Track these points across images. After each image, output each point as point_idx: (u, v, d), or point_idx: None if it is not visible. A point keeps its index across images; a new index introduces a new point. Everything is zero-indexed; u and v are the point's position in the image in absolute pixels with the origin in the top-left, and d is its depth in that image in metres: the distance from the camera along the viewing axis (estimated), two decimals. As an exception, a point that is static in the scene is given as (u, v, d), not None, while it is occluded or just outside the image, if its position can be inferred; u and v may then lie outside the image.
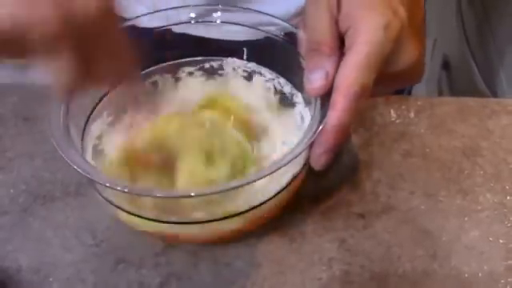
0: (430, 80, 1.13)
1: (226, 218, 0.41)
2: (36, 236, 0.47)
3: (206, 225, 0.41)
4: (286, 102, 0.50)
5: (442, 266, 0.44)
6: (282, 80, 0.50)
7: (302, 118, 0.48)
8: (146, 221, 0.41)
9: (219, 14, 0.50)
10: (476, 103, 0.56)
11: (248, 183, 0.38)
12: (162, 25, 0.49)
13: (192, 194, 0.38)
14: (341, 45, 0.40)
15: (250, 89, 0.51)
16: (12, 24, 0.31)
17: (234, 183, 0.39)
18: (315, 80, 0.40)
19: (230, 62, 0.51)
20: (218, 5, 0.50)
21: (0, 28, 0.31)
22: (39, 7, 0.32)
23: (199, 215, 0.40)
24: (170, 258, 0.45)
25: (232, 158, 0.45)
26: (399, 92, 0.67)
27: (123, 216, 0.42)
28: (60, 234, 0.47)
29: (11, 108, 0.56)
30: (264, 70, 0.50)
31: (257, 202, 0.41)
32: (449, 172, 0.50)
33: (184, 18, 0.50)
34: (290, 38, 0.47)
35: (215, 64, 0.51)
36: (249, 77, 0.51)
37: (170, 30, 0.50)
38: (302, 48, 0.43)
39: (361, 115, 0.54)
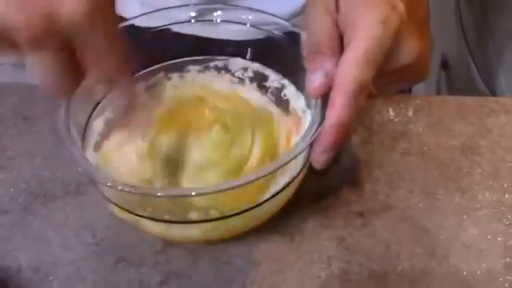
0: (429, 79, 1.12)
1: (225, 217, 0.41)
2: (36, 235, 0.47)
3: (204, 224, 0.41)
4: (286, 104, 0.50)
5: (441, 263, 0.44)
6: (286, 81, 0.50)
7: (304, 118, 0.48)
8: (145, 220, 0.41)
9: (219, 12, 0.50)
10: (474, 102, 0.56)
11: (247, 183, 0.38)
12: (161, 24, 0.49)
13: (193, 194, 0.38)
14: (341, 45, 0.40)
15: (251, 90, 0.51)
16: None
17: (232, 183, 0.39)
18: (315, 80, 0.40)
19: (235, 62, 0.51)
20: (219, 3, 0.50)
21: None
22: (24, 8, 0.32)
23: (198, 215, 0.41)
24: (169, 257, 0.45)
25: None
26: (399, 91, 0.67)
27: (129, 217, 0.42)
28: (60, 232, 0.47)
29: (11, 107, 0.56)
30: (268, 71, 0.50)
31: (257, 202, 0.41)
32: (447, 170, 0.51)
33: (184, 17, 0.50)
34: (292, 37, 0.47)
35: (220, 63, 0.51)
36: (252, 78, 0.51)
37: (169, 29, 0.50)
38: (305, 51, 0.43)
39: (360, 114, 0.54)
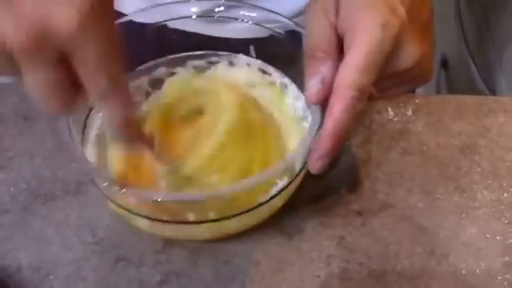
0: (429, 79, 1.13)
1: (225, 218, 0.41)
2: (36, 234, 0.47)
3: (203, 225, 0.41)
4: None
5: (440, 263, 0.45)
6: (287, 80, 0.50)
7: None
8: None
9: (222, 9, 0.50)
10: (473, 101, 0.56)
11: (244, 188, 0.38)
12: (162, 20, 0.49)
13: (191, 198, 0.39)
14: (340, 49, 0.40)
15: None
16: None
17: (229, 188, 0.39)
18: (312, 86, 0.39)
19: (238, 58, 0.51)
20: (222, 0, 0.50)
21: None
22: (14, 20, 0.30)
23: (196, 216, 0.41)
24: (169, 256, 0.45)
25: None
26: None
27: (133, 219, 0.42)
28: (60, 232, 0.47)
29: (11, 107, 0.56)
30: (271, 69, 0.50)
31: (255, 204, 0.41)
32: (446, 170, 0.51)
33: (186, 13, 0.50)
34: (294, 35, 0.46)
35: (223, 60, 0.51)
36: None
37: (171, 25, 0.50)
38: (305, 55, 0.43)
39: (359, 117, 0.54)
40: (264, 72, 0.51)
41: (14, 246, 0.46)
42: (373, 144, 0.53)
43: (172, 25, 0.50)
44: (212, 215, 0.41)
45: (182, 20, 0.50)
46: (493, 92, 0.91)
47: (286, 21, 0.48)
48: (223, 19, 0.51)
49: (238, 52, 0.51)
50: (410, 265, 0.44)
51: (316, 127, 0.40)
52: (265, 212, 0.43)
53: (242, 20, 0.49)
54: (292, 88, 0.49)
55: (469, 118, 0.55)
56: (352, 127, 0.39)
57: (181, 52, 0.51)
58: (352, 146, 0.52)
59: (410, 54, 0.39)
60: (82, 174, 0.49)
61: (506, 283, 0.43)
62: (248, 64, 0.51)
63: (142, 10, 0.49)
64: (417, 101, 0.56)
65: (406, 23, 0.39)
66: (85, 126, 0.45)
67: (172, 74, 0.51)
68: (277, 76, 0.50)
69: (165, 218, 0.41)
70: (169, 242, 0.46)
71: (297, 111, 0.49)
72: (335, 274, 0.44)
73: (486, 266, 0.44)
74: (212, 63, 0.51)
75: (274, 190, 0.42)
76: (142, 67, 0.50)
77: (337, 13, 0.40)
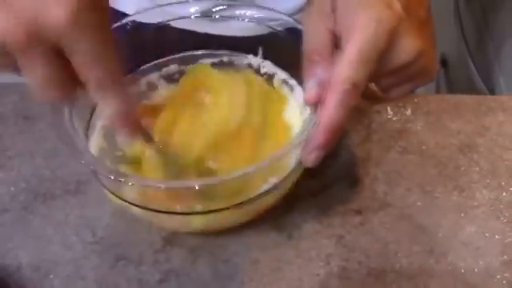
0: (428, 79, 1.13)
1: (223, 209, 0.41)
2: (36, 234, 0.47)
3: (202, 216, 0.42)
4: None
5: (439, 261, 0.45)
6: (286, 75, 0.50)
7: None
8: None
9: (222, 8, 0.50)
10: (472, 100, 0.57)
11: (240, 177, 0.39)
12: (163, 20, 0.49)
13: (193, 185, 0.39)
14: (336, 50, 0.40)
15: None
16: None
17: (227, 176, 0.39)
18: (309, 88, 0.40)
19: (246, 58, 0.52)
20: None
21: None
22: (9, 16, 0.31)
23: (197, 207, 0.41)
24: (169, 255, 0.46)
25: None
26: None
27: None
28: (60, 231, 0.47)
29: (11, 107, 0.56)
30: (277, 70, 0.51)
31: (253, 195, 0.41)
32: (445, 169, 0.51)
33: (186, 12, 0.50)
34: (294, 33, 0.47)
35: (234, 59, 0.52)
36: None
37: (171, 25, 0.50)
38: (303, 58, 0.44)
39: (358, 115, 0.55)
40: (270, 73, 0.51)
41: (14, 245, 0.46)
42: (372, 143, 0.53)
43: (173, 24, 0.50)
44: (216, 204, 0.41)
45: (183, 20, 0.51)
46: (492, 91, 0.91)
47: (286, 18, 0.48)
48: (223, 18, 0.51)
49: (237, 50, 0.51)
50: (408, 263, 0.45)
51: (313, 123, 0.40)
52: (262, 205, 0.43)
53: (243, 20, 0.50)
54: (298, 90, 0.50)
55: (468, 118, 0.55)
56: (347, 122, 0.39)
57: (181, 52, 0.51)
58: (351, 145, 0.52)
59: (408, 47, 0.39)
60: (82, 172, 0.50)
61: (504, 282, 0.43)
62: (258, 64, 0.51)
63: (145, 10, 0.49)
64: (416, 100, 0.56)
65: (404, 18, 0.39)
66: (91, 117, 0.45)
67: (183, 71, 0.51)
68: (283, 77, 0.51)
69: (174, 208, 0.41)
70: (168, 242, 0.46)
71: (304, 112, 0.49)
72: (334, 272, 0.44)
73: (484, 264, 0.44)
74: (223, 62, 0.52)
75: (265, 186, 0.42)
76: (153, 64, 0.51)
77: (333, 11, 0.40)
